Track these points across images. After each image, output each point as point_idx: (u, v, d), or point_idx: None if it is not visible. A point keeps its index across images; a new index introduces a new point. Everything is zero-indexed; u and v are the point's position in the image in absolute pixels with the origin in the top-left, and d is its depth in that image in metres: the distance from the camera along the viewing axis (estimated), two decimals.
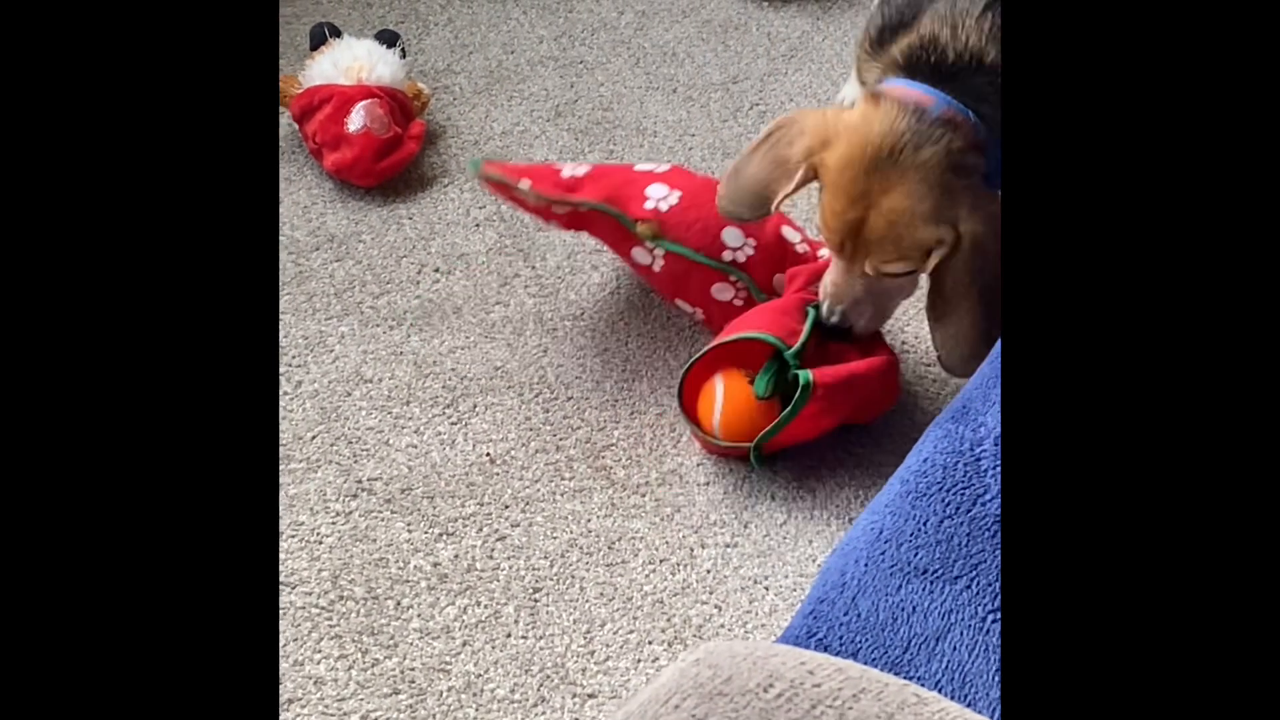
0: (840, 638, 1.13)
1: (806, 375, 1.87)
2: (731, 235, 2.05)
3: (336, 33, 2.53)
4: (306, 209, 2.36)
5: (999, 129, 1.80)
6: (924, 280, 1.89)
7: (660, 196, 2.06)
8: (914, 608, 1.14)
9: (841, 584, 1.17)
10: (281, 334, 2.12)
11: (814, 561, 1.85)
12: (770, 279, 2.07)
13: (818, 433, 1.96)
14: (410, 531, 1.86)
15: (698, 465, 1.97)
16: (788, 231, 2.11)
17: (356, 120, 2.38)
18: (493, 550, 1.84)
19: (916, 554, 1.18)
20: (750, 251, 2.05)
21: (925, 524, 1.20)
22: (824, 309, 1.93)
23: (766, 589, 1.82)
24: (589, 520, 1.89)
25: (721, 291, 2.08)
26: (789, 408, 1.88)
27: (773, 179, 1.91)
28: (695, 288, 2.09)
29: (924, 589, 1.15)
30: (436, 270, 2.26)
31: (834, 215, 1.83)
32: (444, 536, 1.86)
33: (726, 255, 2.05)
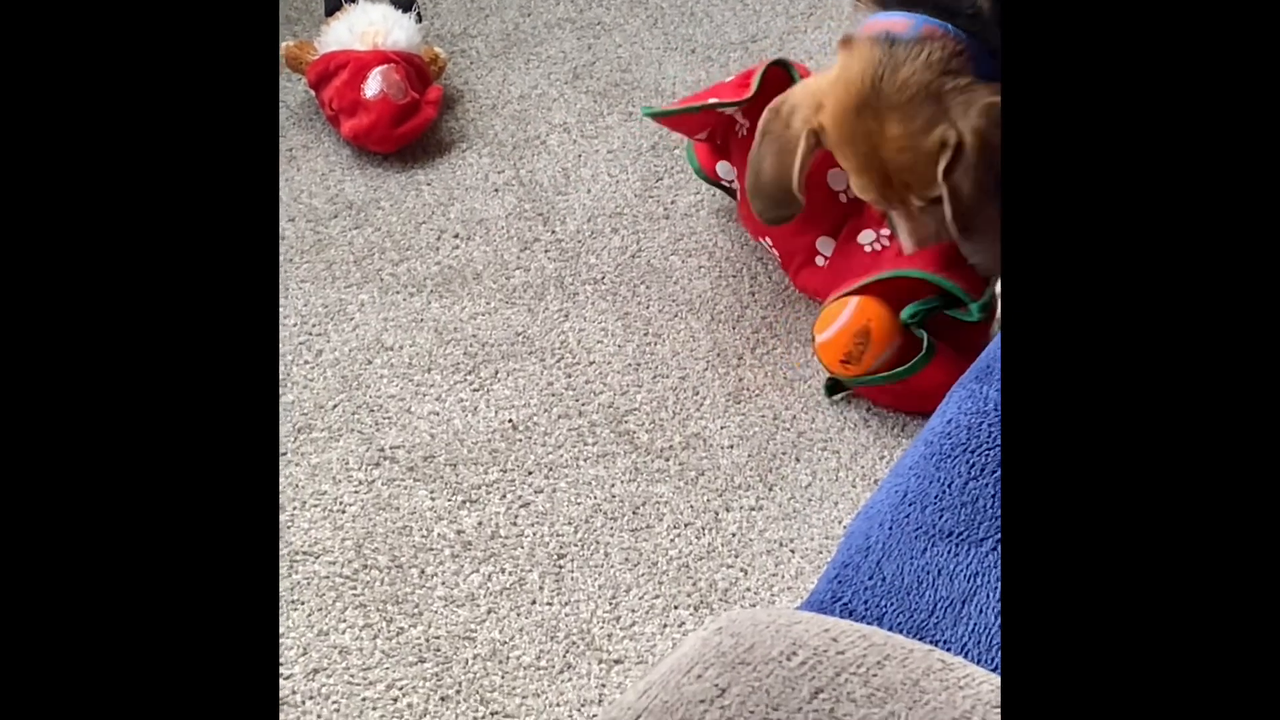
0: (865, 602, 1.12)
1: (931, 341, 1.87)
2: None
3: None
4: (324, 176, 2.35)
5: (986, 33, 1.80)
6: None
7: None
8: (939, 571, 1.13)
9: (866, 548, 1.16)
10: (301, 303, 2.12)
11: (839, 524, 1.84)
12: None
13: (897, 401, 1.95)
14: (433, 499, 1.85)
15: (721, 429, 1.96)
16: None
17: (373, 86, 2.36)
18: (516, 517, 1.84)
19: (941, 516, 1.17)
20: None
21: (950, 486, 1.18)
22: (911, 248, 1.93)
23: (792, 552, 1.81)
24: (613, 485, 1.88)
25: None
26: (907, 366, 1.87)
27: (785, 165, 1.90)
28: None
29: (949, 552, 1.14)
30: (456, 236, 2.25)
31: (854, 169, 1.82)
32: (467, 504, 1.85)
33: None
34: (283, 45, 2.44)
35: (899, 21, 1.79)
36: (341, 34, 2.43)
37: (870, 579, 1.14)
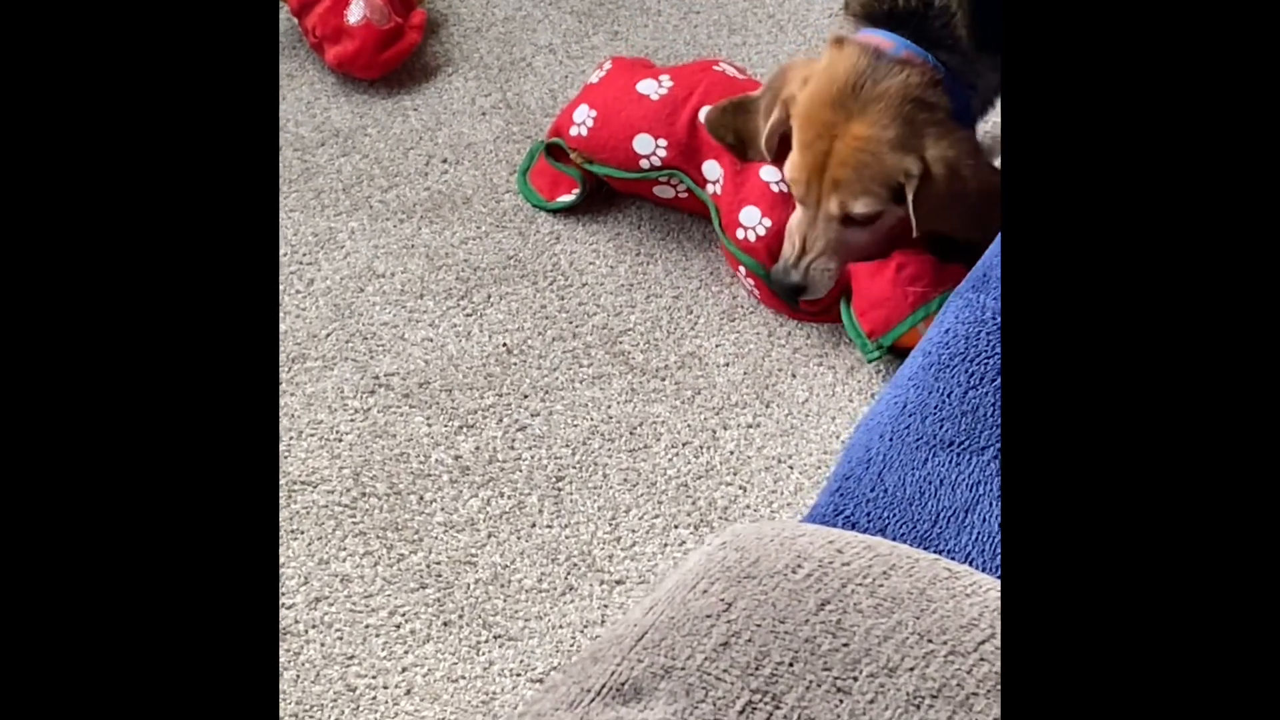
0: (867, 514, 1.12)
1: None
2: (642, 143, 2.03)
3: None
4: (310, 104, 2.33)
5: (964, 66, 1.88)
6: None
7: (581, 120, 2.07)
8: (941, 480, 1.13)
9: (867, 460, 1.16)
10: (290, 232, 2.10)
11: (837, 439, 1.84)
12: (699, 171, 2.03)
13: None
14: (430, 425, 1.85)
15: (716, 347, 1.95)
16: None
17: (356, 12, 2.33)
18: (514, 441, 1.83)
19: (942, 426, 1.16)
20: (664, 153, 2.01)
21: (949, 395, 1.18)
22: (781, 266, 1.93)
23: (791, 468, 1.81)
24: (609, 407, 1.88)
25: (663, 191, 2.09)
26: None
27: (757, 122, 1.97)
28: (648, 195, 2.12)
29: (950, 461, 1.14)
30: (444, 161, 2.23)
31: (801, 148, 1.86)
32: (464, 429, 1.84)
33: (643, 164, 2.04)
34: None
35: (885, 40, 1.85)
36: None
37: (872, 491, 1.13)
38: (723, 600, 0.81)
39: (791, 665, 0.80)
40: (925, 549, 1.08)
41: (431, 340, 1.96)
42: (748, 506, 1.77)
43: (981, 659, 0.81)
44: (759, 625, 0.81)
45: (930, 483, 1.13)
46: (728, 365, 1.93)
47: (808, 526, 0.87)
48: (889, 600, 0.81)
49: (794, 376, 1.91)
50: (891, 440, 1.17)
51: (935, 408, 1.17)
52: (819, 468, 1.81)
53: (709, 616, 0.82)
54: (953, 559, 1.07)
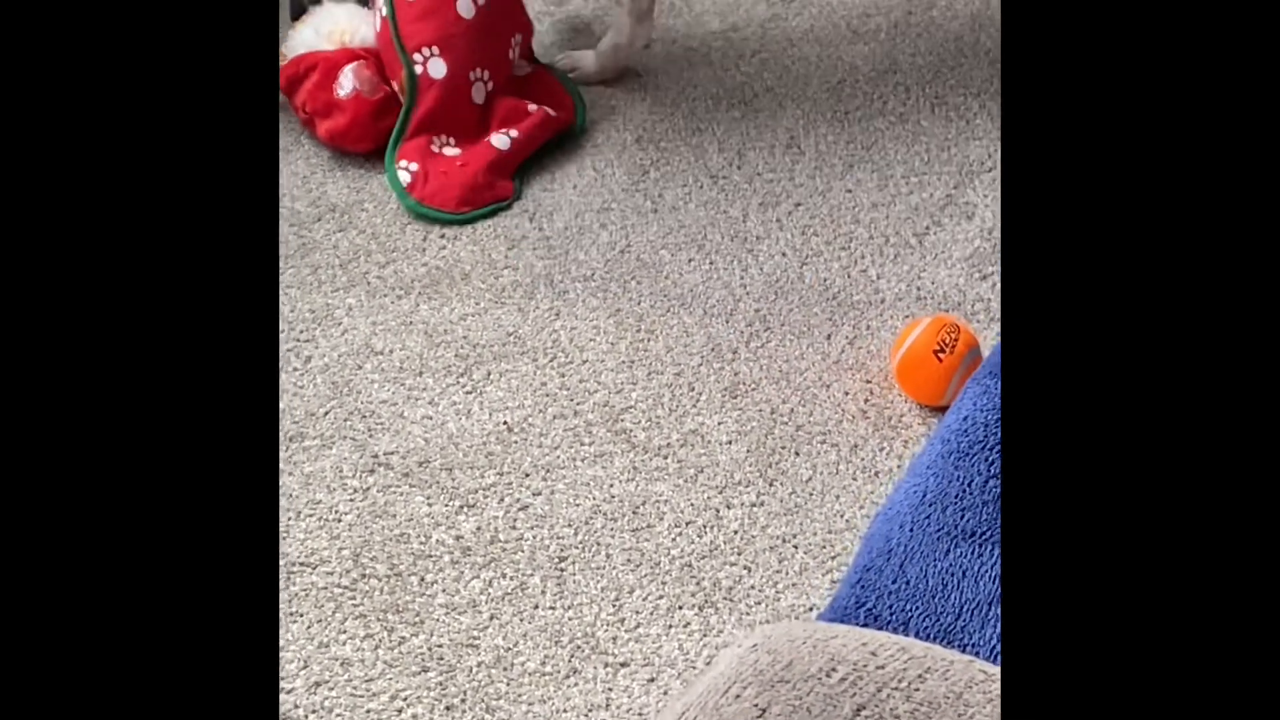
0: (890, 606, 1.10)
1: None
2: None
3: (316, 0, 2.48)
4: (306, 179, 2.32)
5: None
6: None
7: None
8: (964, 572, 1.11)
9: (888, 550, 1.14)
10: (288, 308, 2.08)
11: (842, 518, 1.82)
12: None
13: None
14: (430, 505, 1.83)
15: (719, 424, 1.93)
16: None
17: (346, 84, 2.33)
18: (515, 520, 1.81)
19: (963, 516, 1.15)
20: None
21: (970, 485, 1.16)
22: None
23: (795, 548, 1.79)
24: (611, 485, 1.86)
25: None
26: None
27: None
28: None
29: (973, 552, 1.12)
30: (442, 236, 2.22)
31: None
32: (465, 509, 1.82)
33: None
34: None
35: None
36: (308, 37, 2.40)
37: (894, 583, 1.12)
38: (757, 706, 0.80)
39: None
40: (949, 643, 1.07)
41: (431, 418, 1.94)
42: (752, 587, 1.75)
43: None
44: None
45: (953, 574, 1.11)
46: (730, 443, 1.91)
47: (839, 628, 0.86)
48: (925, 705, 0.80)
49: (797, 454, 1.90)
50: (912, 531, 1.15)
51: (956, 497, 1.16)
52: (824, 547, 1.79)
53: None
54: (977, 653, 1.05)
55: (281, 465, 1.86)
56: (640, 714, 1.63)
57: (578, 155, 2.36)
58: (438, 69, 2.32)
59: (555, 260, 2.17)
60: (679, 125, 2.43)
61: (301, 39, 2.41)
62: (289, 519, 1.80)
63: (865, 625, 1.07)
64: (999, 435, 1.18)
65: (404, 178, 2.28)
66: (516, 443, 1.91)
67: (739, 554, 1.78)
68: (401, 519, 1.81)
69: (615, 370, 2.01)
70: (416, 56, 2.33)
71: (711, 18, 2.67)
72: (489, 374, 2.00)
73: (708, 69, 2.55)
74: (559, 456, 1.89)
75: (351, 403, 1.96)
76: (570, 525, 1.81)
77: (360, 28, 2.41)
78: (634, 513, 1.83)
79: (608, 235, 2.22)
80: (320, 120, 2.35)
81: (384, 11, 2.34)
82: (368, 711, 1.63)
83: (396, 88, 2.36)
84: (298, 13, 2.46)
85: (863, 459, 1.89)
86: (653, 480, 1.86)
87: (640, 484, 1.86)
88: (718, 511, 1.83)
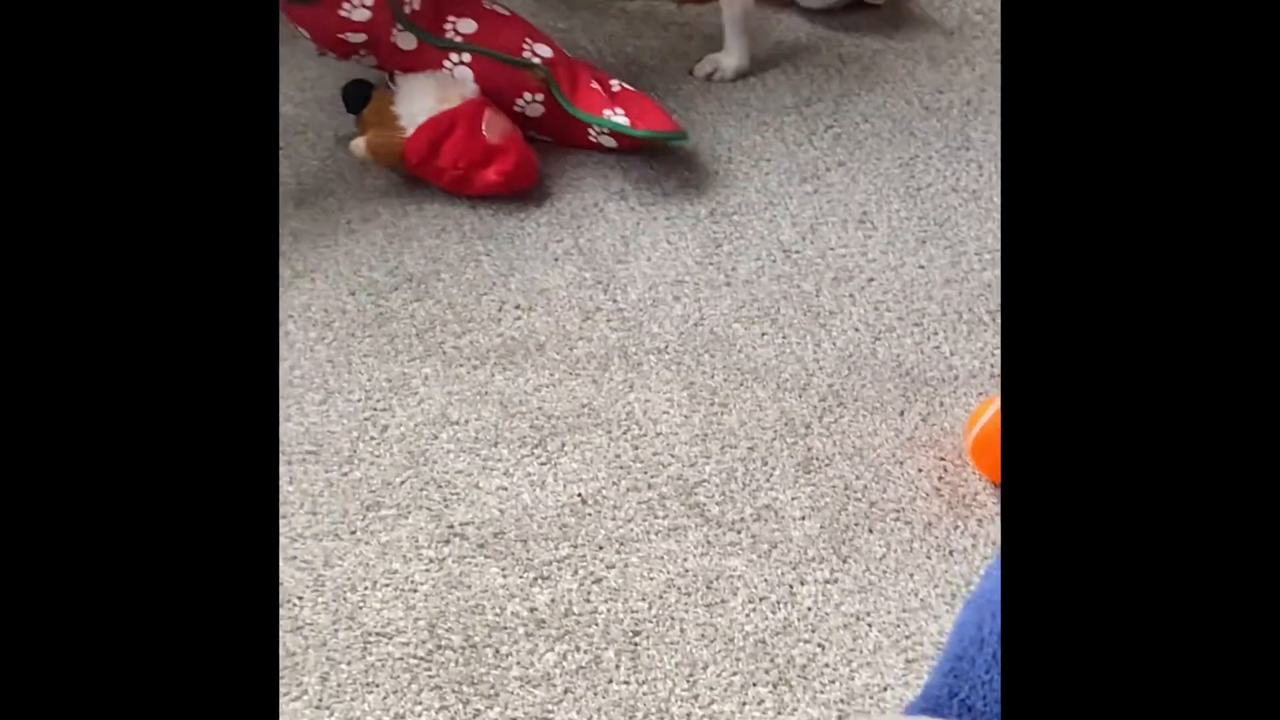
0: (984, 698, 1.10)
1: None
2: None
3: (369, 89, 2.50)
4: (383, 249, 2.35)
5: None
6: None
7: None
8: None
9: (979, 640, 1.14)
10: (365, 377, 2.11)
11: (916, 596, 1.82)
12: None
13: None
14: (505, 576, 1.83)
15: (792, 500, 1.94)
16: None
17: (495, 128, 2.41)
18: (589, 593, 1.82)
19: None
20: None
21: None
22: None
23: (869, 626, 1.78)
24: (685, 559, 1.86)
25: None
26: None
27: None
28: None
29: None
30: (517, 307, 2.24)
31: None
32: (539, 580, 1.83)
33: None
34: (359, 142, 2.43)
35: None
36: (427, 103, 2.42)
37: (987, 673, 1.11)
38: None
39: None
40: None
41: (506, 489, 1.95)
42: (826, 665, 1.74)
43: None
44: None
45: None
46: (804, 519, 1.91)
47: None
48: None
49: (871, 531, 1.90)
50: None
51: None
52: (898, 626, 1.78)
53: None
54: None
55: (358, 534, 1.88)
56: None
57: (651, 228, 2.37)
58: (544, 50, 2.49)
59: (629, 332, 2.19)
60: (752, 199, 2.45)
61: (419, 107, 2.42)
62: (366, 589, 1.81)
63: (959, 717, 1.07)
64: None
65: (620, 120, 2.44)
66: (590, 515, 1.91)
67: (813, 631, 1.78)
68: (476, 590, 1.82)
69: (689, 444, 2.02)
70: (524, 54, 2.46)
71: (785, 93, 2.69)
72: (563, 445, 2.01)
73: (780, 144, 2.57)
74: (633, 529, 1.90)
75: (427, 472, 1.97)
76: (644, 599, 1.81)
77: (463, 83, 2.44)
78: (707, 587, 1.83)
79: (681, 308, 2.23)
80: (479, 169, 2.39)
81: (466, 56, 2.45)
82: None
83: (527, 100, 2.49)
84: (359, 104, 2.49)
85: (936, 537, 1.89)
86: (726, 555, 1.87)
87: (714, 558, 1.86)
88: (791, 587, 1.83)
